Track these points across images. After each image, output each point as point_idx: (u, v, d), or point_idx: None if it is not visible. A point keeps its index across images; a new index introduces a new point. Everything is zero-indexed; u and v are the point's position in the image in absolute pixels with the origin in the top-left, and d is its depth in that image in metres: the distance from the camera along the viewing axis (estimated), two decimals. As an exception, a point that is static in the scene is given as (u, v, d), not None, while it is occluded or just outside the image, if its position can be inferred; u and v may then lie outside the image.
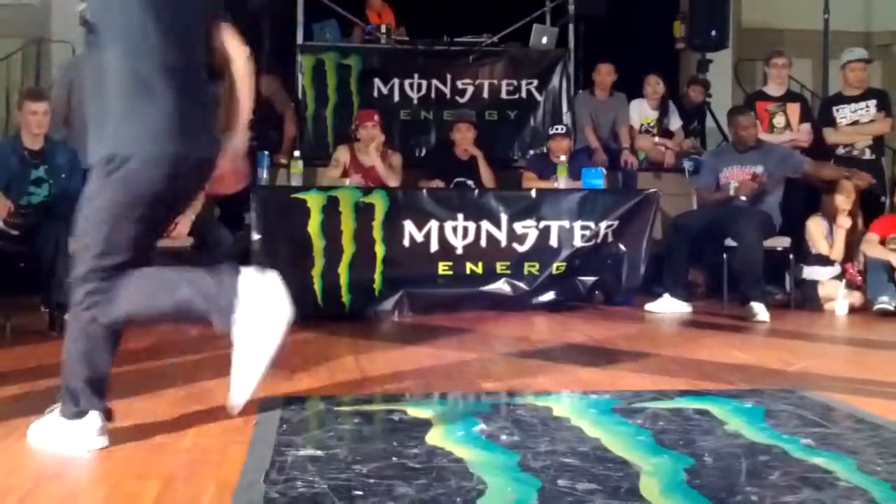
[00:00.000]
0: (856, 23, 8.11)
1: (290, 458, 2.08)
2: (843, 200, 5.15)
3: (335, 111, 6.65)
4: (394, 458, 2.09)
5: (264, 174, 5.03)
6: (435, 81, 6.77)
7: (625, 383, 2.99)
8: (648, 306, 4.94)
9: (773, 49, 6.25)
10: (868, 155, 5.76)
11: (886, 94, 5.92)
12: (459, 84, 6.81)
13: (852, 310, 4.98)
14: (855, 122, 5.82)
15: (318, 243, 4.56)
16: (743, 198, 5.14)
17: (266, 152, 5.09)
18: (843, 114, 5.85)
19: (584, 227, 4.92)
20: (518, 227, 4.88)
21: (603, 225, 4.93)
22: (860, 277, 5.06)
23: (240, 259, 4.56)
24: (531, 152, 6.53)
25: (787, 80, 6.18)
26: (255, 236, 4.55)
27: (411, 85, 6.77)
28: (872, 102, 5.77)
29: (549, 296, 4.86)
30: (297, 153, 5.30)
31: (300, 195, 4.65)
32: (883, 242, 5.07)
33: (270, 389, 2.80)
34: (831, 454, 2.16)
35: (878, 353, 3.87)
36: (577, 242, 4.90)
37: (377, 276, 4.65)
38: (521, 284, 4.84)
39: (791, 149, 5.53)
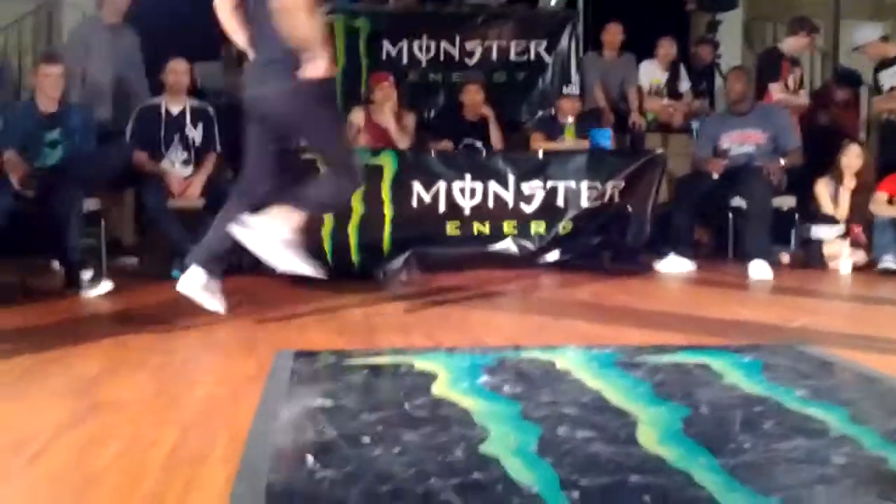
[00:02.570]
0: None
1: (301, 407, 2.16)
2: (849, 163, 5.17)
3: (345, 73, 6.66)
4: (400, 408, 2.17)
5: (275, 136, 5.07)
6: (444, 43, 6.76)
7: (627, 338, 3.05)
8: (656, 265, 4.99)
9: (804, 19, 6.10)
10: None
11: None
12: (468, 46, 6.79)
13: (856, 268, 5.02)
14: (893, 88, 5.73)
15: (329, 204, 4.63)
16: (715, 176, 5.13)
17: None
18: (884, 80, 5.74)
19: (590, 188, 4.96)
20: (525, 187, 4.93)
21: (609, 185, 4.97)
22: (864, 237, 5.09)
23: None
24: (540, 113, 6.54)
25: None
26: (267, 197, 4.62)
27: (420, 47, 6.76)
28: None
29: (555, 255, 4.93)
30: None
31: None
32: (891, 201, 5.09)
33: (282, 343, 2.90)
34: (825, 405, 2.22)
35: (878, 310, 3.93)
36: (584, 203, 4.95)
37: (386, 237, 4.72)
38: (528, 244, 4.91)
39: (791, 121, 5.43)
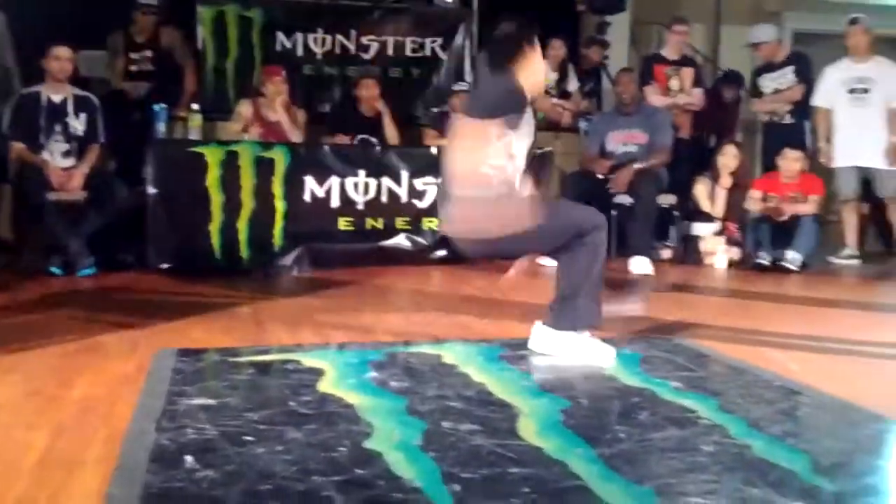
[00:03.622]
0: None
1: (182, 406, 2.13)
2: (726, 163, 5.43)
3: (237, 64, 6.54)
4: (286, 406, 2.16)
5: (162, 127, 4.95)
6: (339, 37, 6.72)
7: (514, 332, 3.11)
8: (541, 260, 5.09)
9: (675, 15, 6.43)
10: (788, 119, 6.00)
11: (806, 58, 6.09)
12: (364, 40, 6.77)
13: (731, 264, 5.27)
14: (776, 91, 6.06)
15: (217, 198, 4.55)
16: (600, 175, 5.29)
17: (164, 105, 5.00)
18: (766, 83, 6.09)
19: (482, 185, 5.02)
20: (419, 183, 4.96)
21: (501, 183, 5.04)
22: (739, 234, 5.35)
23: (135, 214, 4.53)
24: (434, 110, 6.58)
25: (685, 46, 6.39)
26: (152, 190, 4.51)
27: (315, 40, 6.70)
28: (790, 69, 5.99)
29: (447, 251, 4.98)
30: (195, 106, 5.22)
31: (198, 149, 4.61)
32: (765, 199, 5.37)
33: (166, 342, 2.84)
34: (697, 395, 2.33)
35: (751, 304, 4.13)
36: (476, 199, 5.00)
37: (277, 232, 4.67)
38: (421, 240, 4.95)
39: (668, 122, 5.62)
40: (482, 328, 3.25)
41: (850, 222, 5.78)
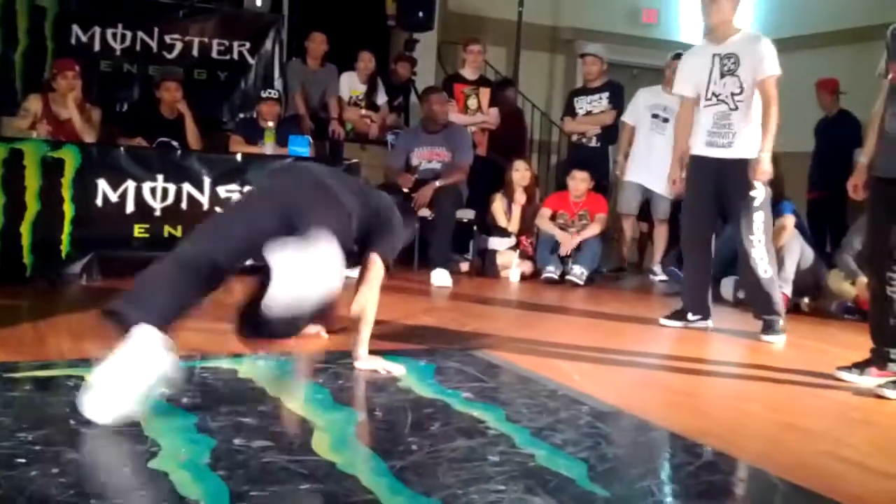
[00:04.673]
0: (545, 17, 8.87)
1: (-54, 428, 1.97)
2: (518, 178, 5.72)
3: (25, 56, 6.14)
4: (65, 424, 2.04)
5: (-64, 121, 4.56)
6: (141, 33, 6.48)
7: (311, 346, 3.11)
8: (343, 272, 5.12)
9: (470, 36, 6.69)
10: (595, 143, 6.37)
11: (620, 87, 6.49)
12: (168, 39, 6.56)
13: (524, 277, 5.55)
14: (588, 113, 6.39)
15: (-3, 199, 4.23)
16: (405, 189, 5.44)
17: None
18: (581, 105, 6.42)
19: (287, 194, 4.98)
20: (222, 190, 4.84)
21: (306, 193, 5.02)
22: (532, 248, 5.65)
23: None
24: (240, 116, 6.46)
25: (483, 66, 6.65)
26: (-81, 189, 4.12)
27: (114, 35, 6.42)
28: (605, 95, 6.37)
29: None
30: (-25, 99, 4.85)
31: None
32: (553, 217, 5.70)
33: (-71, 357, 2.61)
34: (486, 406, 2.44)
35: (541, 315, 4.37)
36: (280, 208, 4.95)
37: (65, 238, 4.40)
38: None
39: (468, 141, 5.83)
40: (281, 341, 3.21)
41: (625, 236, 6.28)
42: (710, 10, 3.96)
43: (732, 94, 3.94)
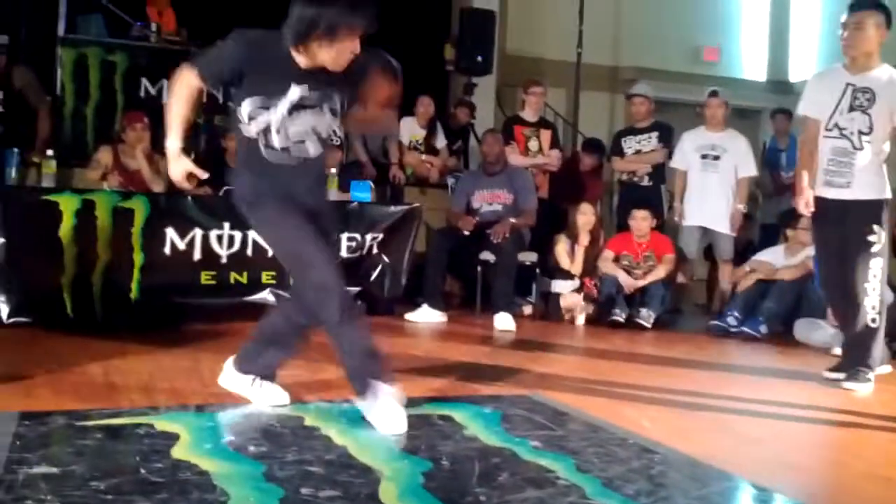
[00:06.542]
0: (605, 58, 8.87)
1: (22, 475, 1.99)
2: (584, 221, 5.66)
3: (97, 109, 6.36)
4: (135, 473, 2.06)
5: (13, 173, 4.72)
6: (209, 85, 6.63)
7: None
8: (408, 315, 5.13)
9: (531, 78, 6.70)
10: (646, 182, 6.28)
11: (670, 127, 6.42)
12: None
13: (589, 320, 5.46)
14: (638, 152, 6.34)
15: (70, 249, 4.34)
16: (466, 232, 5.44)
17: (16, 149, 4.78)
18: (629, 144, 6.37)
19: (350, 239, 5.04)
20: (285, 237, 4.88)
21: (369, 237, 5.07)
22: (596, 291, 5.56)
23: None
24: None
25: (542, 108, 6.66)
26: (0, 240, 4.25)
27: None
28: (655, 134, 6.30)
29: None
30: (50, 152, 5.00)
31: (51, 197, 4.39)
32: (616, 259, 5.62)
33: (5, 404, 2.66)
34: (555, 455, 2.39)
35: (607, 360, 4.28)
36: (343, 253, 5.00)
37: (134, 285, 4.49)
38: (286, 294, 4.85)
39: (530, 183, 5.79)
40: (346, 386, 3.20)
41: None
42: (856, 40, 3.63)
43: (860, 132, 3.66)
